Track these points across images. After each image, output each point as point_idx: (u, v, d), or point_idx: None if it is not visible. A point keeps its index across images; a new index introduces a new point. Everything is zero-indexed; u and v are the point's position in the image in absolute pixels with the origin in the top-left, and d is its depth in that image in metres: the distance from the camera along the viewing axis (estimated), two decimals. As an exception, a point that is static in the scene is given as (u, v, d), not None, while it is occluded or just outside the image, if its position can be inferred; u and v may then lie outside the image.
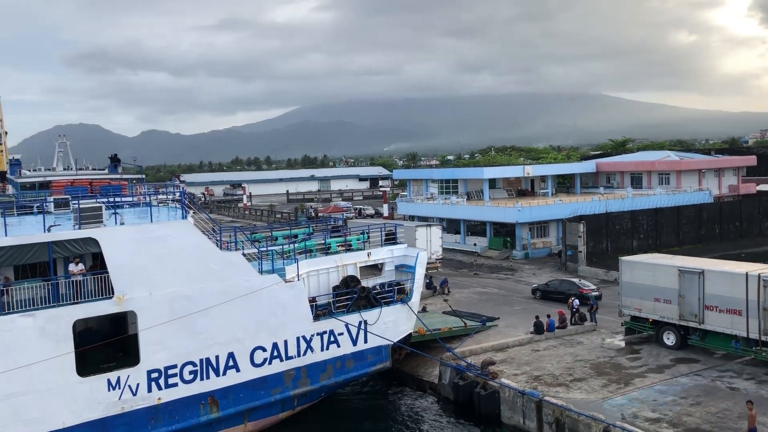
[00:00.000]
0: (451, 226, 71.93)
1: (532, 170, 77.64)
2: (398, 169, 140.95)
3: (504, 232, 66.05)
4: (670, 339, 32.33)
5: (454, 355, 31.98)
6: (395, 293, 31.58)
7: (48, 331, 22.39)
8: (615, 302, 36.36)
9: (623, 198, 67.98)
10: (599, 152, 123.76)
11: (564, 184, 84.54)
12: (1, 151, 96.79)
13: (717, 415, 23.90)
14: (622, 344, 33.60)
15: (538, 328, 35.32)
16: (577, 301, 37.73)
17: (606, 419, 23.88)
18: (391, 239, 33.91)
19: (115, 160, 65.96)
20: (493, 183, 75.65)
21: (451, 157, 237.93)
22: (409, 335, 32.32)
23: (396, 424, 28.94)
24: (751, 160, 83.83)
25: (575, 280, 45.54)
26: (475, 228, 69.41)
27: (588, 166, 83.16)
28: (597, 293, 42.18)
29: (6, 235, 22.76)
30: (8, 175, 61.68)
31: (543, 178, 79.98)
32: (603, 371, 29.61)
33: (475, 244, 67.78)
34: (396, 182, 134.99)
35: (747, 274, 28.94)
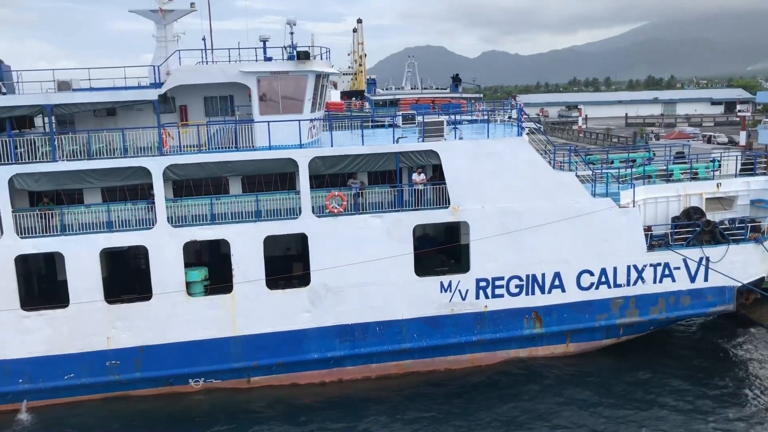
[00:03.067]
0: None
1: None
2: (763, 91, 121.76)
3: None
4: None
5: (819, 309, 27.33)
6: (747, 231, 27.89)
7: (393, 233, 24.99)
8: None
9: None
10: None
11: None
12: (361, 72, 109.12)
13: None
14: None
15: None
16: None
17: None
18: (748, 169, 29.71)
19: (456, 80, 69.10)
20: None
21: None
22: (762, 279, 28.51)
23: (737, 372, 26.13)
24: None
25: None
26: None
27: None
28: None
29: (363, 144, 25.64)
30: (366, 94, 69.42)
31: None
32: None
33: None
34: (759, 107, 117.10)
35: None
